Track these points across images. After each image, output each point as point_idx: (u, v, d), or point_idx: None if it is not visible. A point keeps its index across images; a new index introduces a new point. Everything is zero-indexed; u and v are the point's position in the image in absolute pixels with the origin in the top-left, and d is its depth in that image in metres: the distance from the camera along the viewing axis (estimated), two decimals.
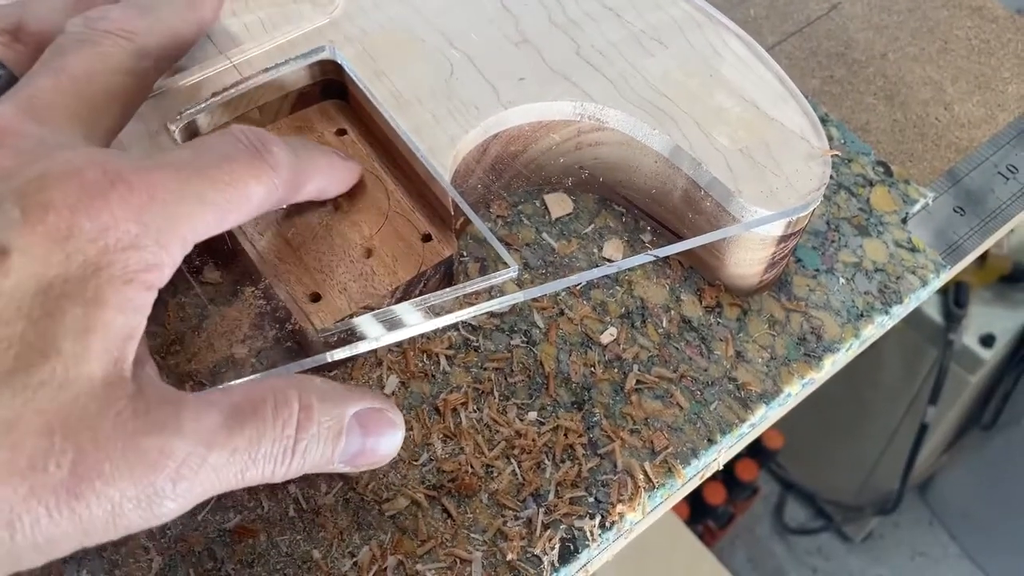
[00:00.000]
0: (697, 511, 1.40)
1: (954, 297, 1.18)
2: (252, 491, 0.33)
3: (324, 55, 0.37)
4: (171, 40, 0.31)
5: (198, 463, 0.24)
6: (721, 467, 0.37)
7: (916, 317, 1.20)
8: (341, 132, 0.38)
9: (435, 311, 0.33)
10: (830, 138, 0.44)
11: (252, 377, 0.29)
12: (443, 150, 0.35)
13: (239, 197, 0.27)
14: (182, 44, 0.32)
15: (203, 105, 0.35)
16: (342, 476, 0.33)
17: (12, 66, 0.30)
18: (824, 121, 0.45)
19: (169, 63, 0.32)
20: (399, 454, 0.34)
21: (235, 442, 0.25)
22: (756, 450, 1.45)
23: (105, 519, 0.23)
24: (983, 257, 1.18)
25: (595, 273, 0.34)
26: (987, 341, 1.22)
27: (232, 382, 0.27)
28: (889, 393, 1.33)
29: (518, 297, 0.33)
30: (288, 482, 0.33)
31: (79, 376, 0.23)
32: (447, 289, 0.33)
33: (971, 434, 1.46)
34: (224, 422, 0.25)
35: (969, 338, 1.22)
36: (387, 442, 0.29)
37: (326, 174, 0.33)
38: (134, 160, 0.25)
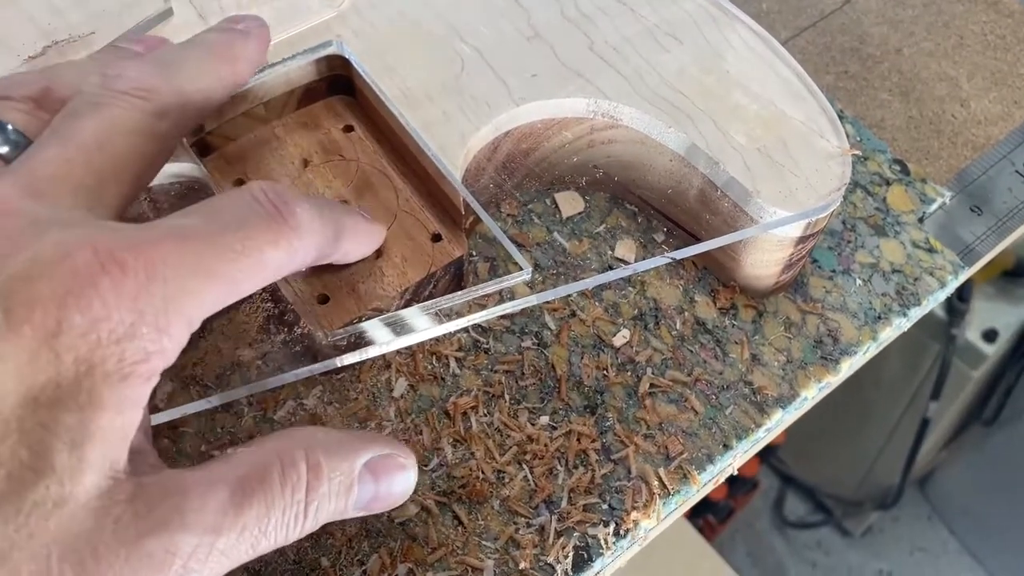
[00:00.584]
0: (697, 505, 1.40)
1: (957, 292, 1.17)
2: None
3: (331, 50, 0.36)
4: (195, 97, 0.29)
5: (206, 552, 0.23)
6: (736, 471, 0.36)
7: None
8: (348, 128, 0.37)
9: (446, 315, 0.32)
10: (846, 135, 0.43)
11: (248, 446, 0.25)
12: (454, 148, 0.34)
13: (253, 266, 0.25)
14: (209, 101, 0.30)
15: None
16: None
17: (35, 136, 0.27)
18: (840, 118, 0.44)
19: (195, 121, 0.29)
20: None
21: (244, 520, 0.23)
22: None
23: None
24: None
25: (610, 276, 0.33)
26: (990, 336, 1.22)
27: (236, 449, 0.25)
28: (891, 388, 1.32)
29: (531, 300, 0.32)
30: None
31: (75, 492, 0.21)
32: (458, 292, 0.32)
33: (972, 429, 1.46)
34: (231, 499, 0.23)
35: (972, 333, 1.21)
36: (399, 485, 0.27)
37: (351, 238, 0.31)
38: (134, 233, 0.23)
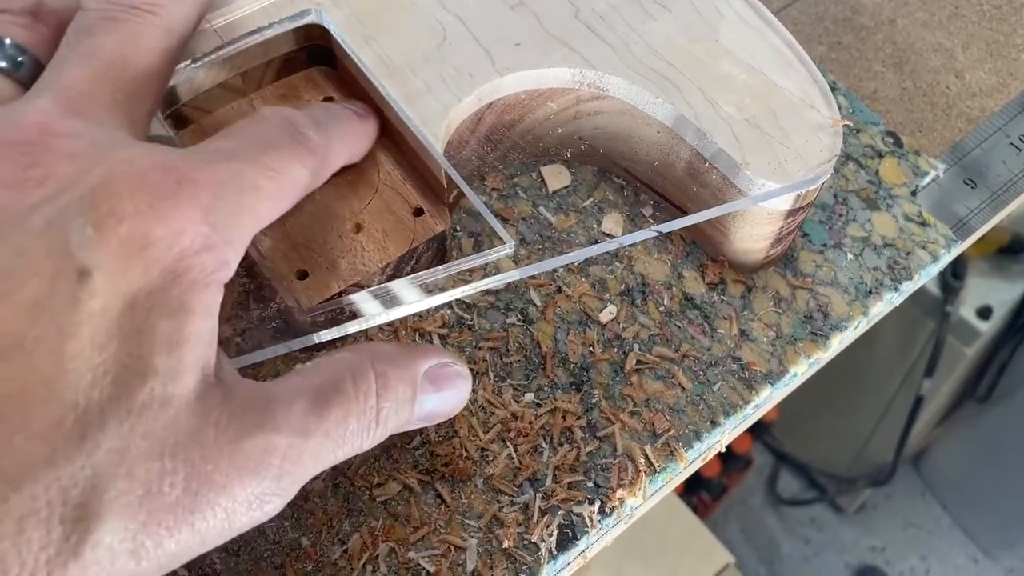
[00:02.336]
0: (690, 483, 1.40)
1: (951, 269, 1.17)
2: None
3: (310, 19, 0.35)
4: (192, 11, 0.29)
5: (297, 454, 0.24)
6: (724, 449, 0.36)
7: None
8: (328, 100, 0.36)
9: (427, 289, 0.31)
10: (838, 107, 0.43)
11: (321, 355, 0.27)
12: (435, 119, 0.33)
13: (289, 184, 0.27)
14: (200, 15, 0.30)
15: (182, 71, 0.33)
16: None
17: (35, 50, 0.27)
18: (832, 89, 0.43)
19: (189, 39, 0.30)
20: (390, 438, 0.33)
21: (326, 425, 0.25)
22: None
23: (220, 526, 0.23)
24: None
25: (595, 250, 0.32)
26: (984, 313, 1.21)
27: (306, 364, 0.26)
28: (885, 365, 1.32)
29: (514, 275, 0.31)
30: None
31: (176, 392, 0.22)
32: (440, 267, 0.32)
33: (966, 406, 1.46)
34: (312, 407, 0.25)
35: (966, 310, 1.21)
36: (457, 394, 0.29)
37: (350, 145, 0.32)
38: (187, 154, 0.24)
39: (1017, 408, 1.36)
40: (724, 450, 0.36)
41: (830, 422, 1.50)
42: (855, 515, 1.60)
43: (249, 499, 0.23)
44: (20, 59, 0.26)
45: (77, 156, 0.23)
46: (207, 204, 0.23)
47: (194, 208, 0.23)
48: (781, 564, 1.57)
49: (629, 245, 0.37)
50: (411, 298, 0.31)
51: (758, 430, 1.50)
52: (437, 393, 0.28)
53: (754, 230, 0.35)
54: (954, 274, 1.17)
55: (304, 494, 0.32)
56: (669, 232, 0.38)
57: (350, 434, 0.25)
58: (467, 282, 0.32)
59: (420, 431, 0.33)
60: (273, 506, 0.24)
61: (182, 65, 0.33)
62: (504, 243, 0.32)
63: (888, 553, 1.57)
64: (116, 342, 0.21)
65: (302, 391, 0.25)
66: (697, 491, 1.43)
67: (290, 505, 0.31)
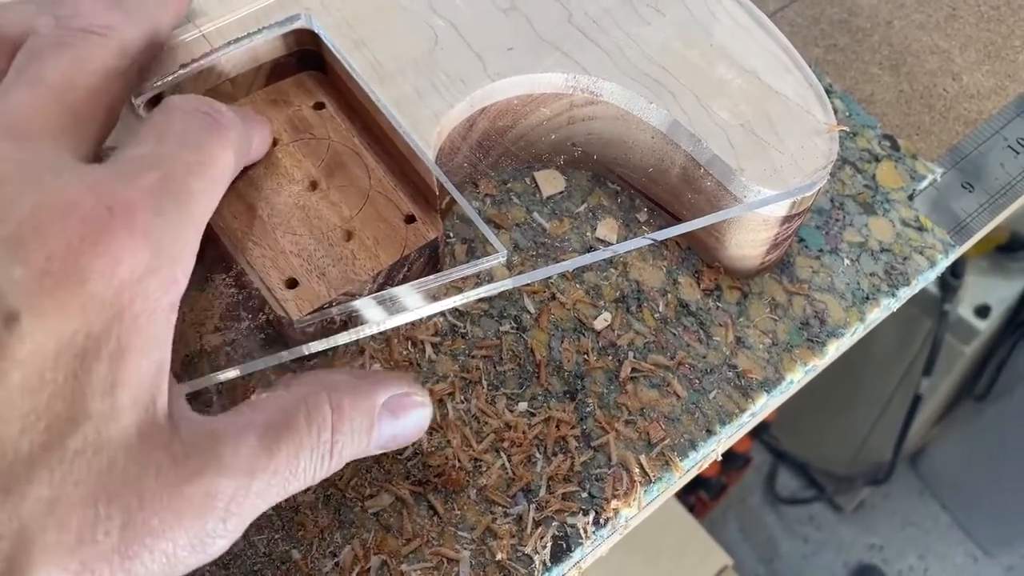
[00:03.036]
0: (689, 482, 1.40)
1: (950, 268, 1.17)
2: None
3: (300, 24, 0.35)
4: (150, 31, 0.29)
5: (244, 495, 0.23)
6: (719, 457, 0.35)
7: None
8: (319, 106, 0.36)
9: (419, 299, 0.31)
10: (835, 110, 0.42)
11: (274, 392, 0.26)
12: (427, 125, 0.33)
13: (218, 174, 0.26)
14: (161, 35, 0.30)
15: (170, 78, 0.33)
16: None
17: None
18: (828, 92, 0.43)
19: (149, 58, 0.30)
20: None
21: (275, 463, 0.24)
22: None
23: (161, 570, 0.22)
24: None
25: (589, 258, 0.32)
26: (982, 311, 1.21)
27: (261, 394, 0.26)
28: (883, 364, 1.32)
29: (507, 284, 0.31)
30: None
31: (112, 436, 0.21)
32: (431, 276, 0.31)
33: (964, 405, 1.46)
34: (261, 443, 0.24)
35: (964, 308, 1.21)
36: (417, 422, 0.28)
37: (260, 132, 0.32)
38: (122, 170, 0.23)
39: (1015, 406, 1.35)
40: (719, 456, 0.35)
41: (828, 421, 1.49)
42: (854, 514, 1.60)
43: (192, 543, 0.22)
44: None
45: (6, 183, 0.22)
46: (145, 225, 0.22)
47: (131, 233, 0.22)
48: (780, 563, 1.56)
49: (624, 252, 0.37)
50: (402, 308, 0.31)
51: (757, 429, 1.50)
52: (396, 421, 0.27)
53: (749, 236, 0.34)
54: (952, 273, 1.17)
55: (295, 506, 0.31)
56: (664, 239, 0.37)
57: (301, 470, 0.25)
58: (459, 291, 0.31)
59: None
60: (218, 547, 0.23)
61: (171, 72, 0.33)
62: (496, 251, 0.31)
63: (887, 552, 1.57)
64: (49, 387, 0.21)
65: (252, 427, 0.24)
66: (695, 490, 1.43)
67: (281, 517, 0.31)
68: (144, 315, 0.22)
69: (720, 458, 0.35)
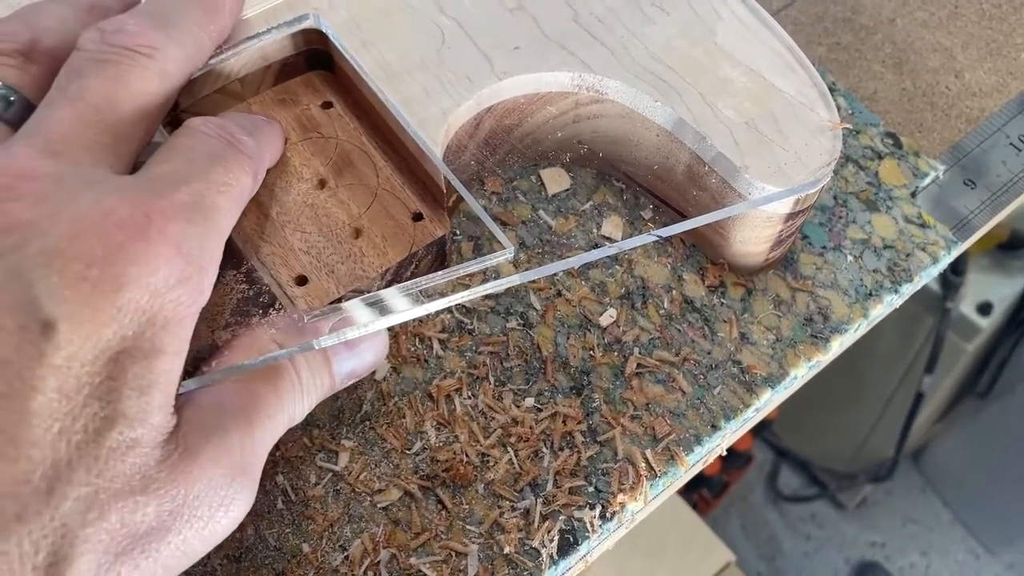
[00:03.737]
0: (691, 480, 1.40)
1: (951, 265, 1.17)
2: None
3: (308, 23, 0.35)
4: (192, 53, 0.29)
5: (250, 445, 0.25)
6: (724, 452, 0.36)
7: None
8: (327, 105, 0.36)
9: (427, 295, 0.31)
10: (838, 108, 0.43)
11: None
12: (434, 124, 0.33)
13: (240, 194, 0.27)
14: (203, 56, 0.30)
15: None
16: (332, 468, 0.32)
17: (28, 90, 0.27)
18: (831, 90, 0.43)
19: (188, 76, 0.30)
20: (391, 443, 0.33)
21: (263, 408, 0.26)
22: None
23: (201, 536, 0.24)
24: None
25: (595, 255, 0.32)
26: (984, 309, 1.21)
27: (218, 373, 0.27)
28: (885, 361, 1.32)
29: (514, 280, 0.31)
30: (276, 473, 0.32)
31: (144, 434, 0.23)
32: (439, 272, 0.31)
33: (966, 402, 1.46)
34: (248, 398, 0.26)
35: (966, 306, 1.21)
36: (373, 350, 0.30)
37: (274, 149, 0.33)
38: (149, 185, 0.24)
39: (1017, 404, 1.36)
40: (724, 451, 0.36)
41: (830, 418, 1.50)
42: (856, 511, 1.60)
43: (222, 502, 0.24)
44: (11, 99, 0.26)
45: (45, 199, 0.23)
46: (178, 235, 0.23)
47: (166, 243, 0.23)
48: (782, 560, 1.57)
49: (630, 249, 0.37)
50: (409, 305, 0.31)
51: (758, 427, 1.50)
52: (351, 352, 0.30)
53: (753, 233, 0.35)
54: (954, 270, 1.17)
55: (304, 500, 0.32)
56: (669, 236, 0.38)
57: (284, 408, 0.27)
58: (467, 287, 0.32)
59: (420, 437, 0.33)
60: (243, 500, 0.25)
61: None
62: (504, 248, 0.32)
63: (888, 549, 1.58)
64: (86, 390, 0.21)
65: (236, 388, 0.26)
66: (698, 488, 1.43)
67: (291, 511, 0.31)
68: (175, 320, 0.23)
69: (725, 453, 0.36)
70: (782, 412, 1.49)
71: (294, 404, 0.27)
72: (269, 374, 0.27)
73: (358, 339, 0.30)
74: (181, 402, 0.25)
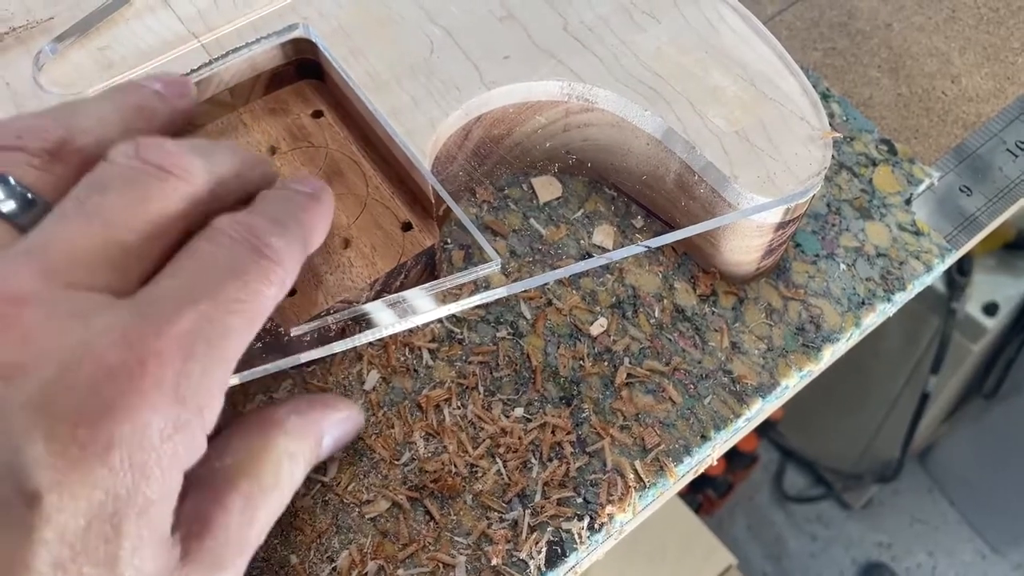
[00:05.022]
0: (696, 481, 1.40)
1: (957, 265, 1.17)
2: None
3: (297, 33, 0.35)
4: (224, 181, 0.27)
5: (238, 549, 0.25)
6: (715, 462, 0.35)
7: None
8: (318, 114, 0.36)
9: (414, 308, 0.31)
10: (832, 115, 0.42)
11: None
12: (422, 134, 0.33)
13: (258, 310, 0.25)
14: (231, 185, 0.28)
15: None
16: (320, 479, 0.32)
17: (48, 193, 0.25)
18: (826, 97, 0.43)
19: (216, 207, 0.27)
20: (380, 453, 0.33)
21: (256, 534, 0.26)
22: None
23: None
24: None
25: (584, 265, 0.32)
26: (990, 309, 1.21)
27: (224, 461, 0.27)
28: (890, 362, 1.32)
29: (501, 292, 0.31)
30: None
31: None
32: (426, 285, 0.31)
33: (973, 402, 1.46)
34: (243, 516, 0.26)
35: (972, 306, 1.20)
36: (350, 432, 0.32)
37: (315, 236, 0.29)
38: (153, 311, 0.22)
39: None
40: (715, 461, 0.36)
41: (836, 419, 1.49)
42: (862, 511, 1.60)
43: None
44: (29, 196, 0.24)
45: (32, 335, 0.21)
46: (175, 378, 0.22)
47: (160, 392, 0.21)
48: (788, 561, 1.56)
49: (617, 260, 0.37)
50: (395, 318, 0.31)
51: (764, 427, 1.50)
52: (334, 440, 0.30)
53: (744, 242, 0.34)
54: (960, 270, 1.16)
55: (293, 512, 0.32)
56: (658, 245, 0.38)
57: (276, 510, 0.27)
58: (456, 298, 0.32)
59: (409, 447, 0.33)
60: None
61: None
62: (491, 259, 0.32)
63: (895, 549, 1.57)
64: (80, 557, 0.20)
65: (236, 511, 0.25)
66: (703, 488, 1.43)
67: (279, 523, 0.31)
68: (169, 470, 0.22)
69: (714, 461, 0.35)
70: (788, 412, 1.49)
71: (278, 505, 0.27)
72: (267, 483, 0.26)
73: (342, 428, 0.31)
74: (176, 522, 0.23)
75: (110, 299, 0.23)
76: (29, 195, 0.24)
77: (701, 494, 1.44)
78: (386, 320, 0.31)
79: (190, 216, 0.26)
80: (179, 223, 0.25)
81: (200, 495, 0.24)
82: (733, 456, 1.41)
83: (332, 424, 0.30)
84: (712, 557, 0.83)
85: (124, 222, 0.24)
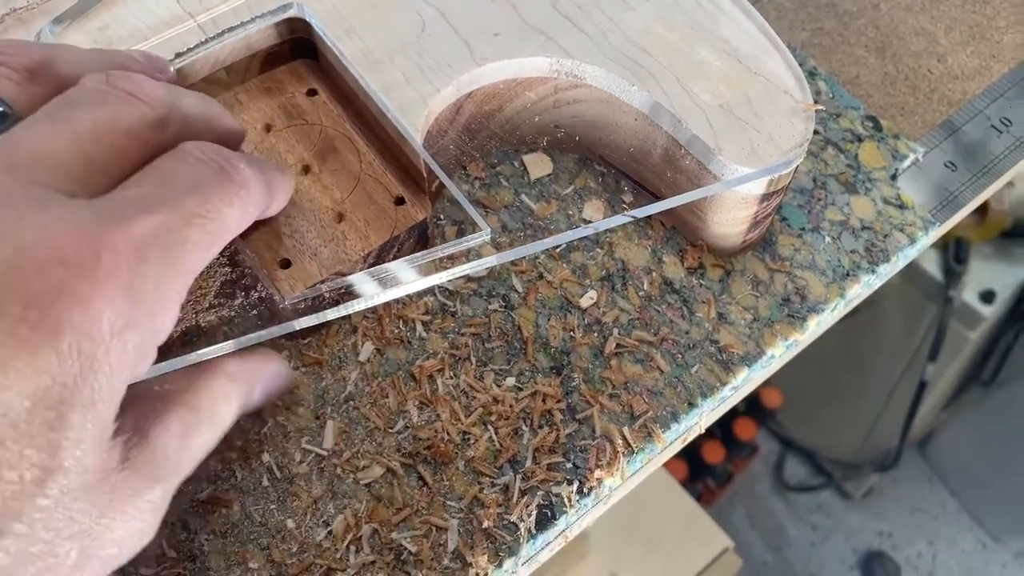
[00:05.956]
0: (696, 470, 1.41)
1: (954, 253, 1.17)
2: (225, 461, 0.33)
3: (292, 13, 0.36)
4: (194, 118, 0.28)
5: (170, 493, 0.26)
6: (703, 430, 0.36)
7: (916, 273, 1.19)
8: (312, 92, 0.37)
9: (405, 278, 0.32)
10: (818, 92, 0.43)
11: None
12: (414, 109, 0.34)
13: (219, 229, 0.25)
14: (203, 128, 0.28)
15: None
16: (316, 448, 0.33)
17: (23, 109, 0.26)
18: (813, 75, 0.44)
19: (182, 138, 0.28)
20: (375, 422, 0.34)
21: (192, 451, 0.26)
22: (755, 409, 1.45)
23: (114, 553, 0.24)
24: (983, 213, 1.17)
25: (570, 235, 0.33)
26: (987, 297, 1.21)
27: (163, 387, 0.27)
28: (889, 350, 1.32)
29: (491, 261, 0.32)
30: (262, 451, 0.33)
31: (80, 482, 0.22)
32: (416, 254, 0.32)
33: (971, 390, 1.46)
34: (182, 439, 0.26)
35: (969, 294, 1.21)
36: (280, 385, 0.31)
37: (283, 192, 0.31)
38: (108, 211, 0.23)
39: (1022, 391, 1.35)
40: (726, 434, 0.36)
41: (835, 408, 1.50)
42: (862, 500, 1.61)
43: (137, 533, 0.24)
44: (2, 109, 0.25)
45: None
46: (129, 275, 0.22)
47: (114, 284, 0.21)
48: (788, 550, 1.57)
49: (610, 231, 0.38)
50: (388, 284, 0.32)
51: (763, 417, 1.50)
52: (264, 392, 0.30)
53: (730, 214, 0.35)
54: (956, 258, 1.17)
55: (289, 477, 0.32)
56: (649, 218, 0.38)
57: (205, 446, 0.27)
58: (446, 268, 0.32)
59: (403, 416, 0.34)
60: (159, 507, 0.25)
61: (167, 61, 0.34)
62: (481, 230, 0.33)
63: (895, 538, 1.58)
64: (23, 439, 0.20)
65: (174, 422, 0.26)
66: (703, 478, 1.44)
67: (276, 489, 0.32)
68: (118, 368, 0.22)
69: (702, 429, 0.36)
70: (787, 402, 1.50)
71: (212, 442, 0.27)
72: (202, 419, 0.27)
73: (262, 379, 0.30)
74: (115, 429, 0.23)
75: (71, 198, 0.23)
76: (2, 108, 0.25)
77: (702, 483, 1.44)
78: (377, 289, 0.32)
79: (154, 142, 0.26)
80: (144, 147, 0.26)
81: (141, 410, 0.25)
82: (732, 446, 1.42)
83: (266, 376, 0.30)
84: (709, 540, 0.84)
85: (90, 134, 0.24)
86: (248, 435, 0.33)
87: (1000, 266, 1.22)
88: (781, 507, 1.61)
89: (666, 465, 1.18)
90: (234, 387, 0.28)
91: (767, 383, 1.44)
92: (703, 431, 0.36)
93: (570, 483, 0.33)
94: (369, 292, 0.32)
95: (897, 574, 1.53)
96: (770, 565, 1.55)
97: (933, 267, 1.18)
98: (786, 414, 1.57)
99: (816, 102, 0.42)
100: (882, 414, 1.42)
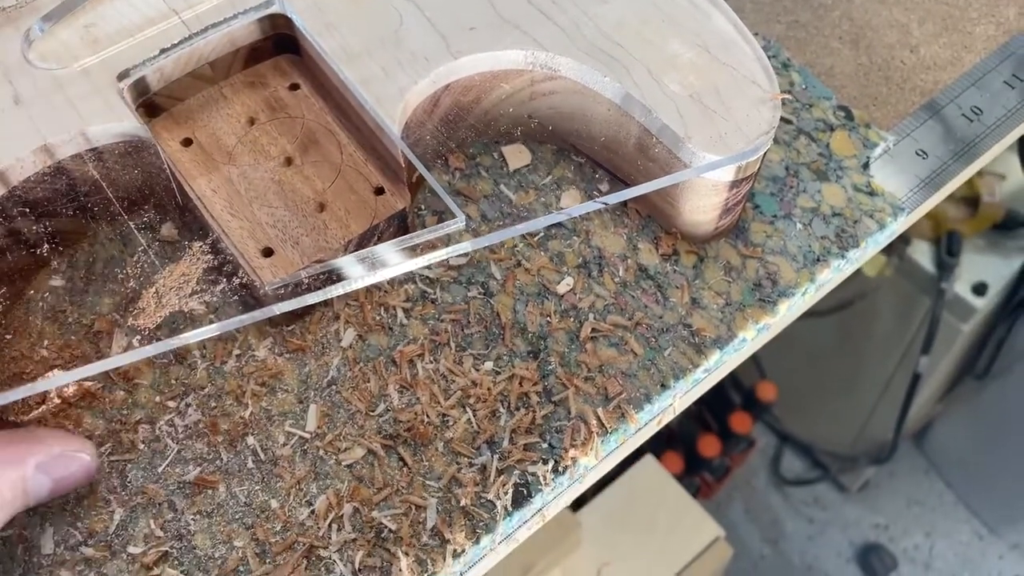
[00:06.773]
0: (693, 464, 1.42)
1: (946, 246, 1.18)
2: (211, 443, 0.34)
3: (274, 9, 0.37)
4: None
5: None
6: (677, 413, 0.37)
7: (908, 266, 1.20)
8: (294, 87, 0.38)
9: (382, 262, 0.33)
10: (792, 83, 0.44)
11: None
12: (392, 101, 0.35)
13: None
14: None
15: (151, 63, 0.35)
16: (298, 431, 0.34)
17: None
18: (787, 66, 0.45)
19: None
20: (356, 405, 0.35)
21: None
22: (750, 403, 1.46)
23: None
24: (975, 205, 1.18)
25: (543, 221, 0.34)
26: (979, 289, 1.22)
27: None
28: (882, 343, 1.33)
29: (466, 247, 0.33)
30: (247, 434, 0.34)
31: None
32: (393, 240, 0.33)
33: (965, 383, 1.47)
34: None
35: (961, 287, 1.22)
36: (74, 475, 0.30)
37: (64, 470, 0.30)
38: None
39: (1016, 384, 1.36)
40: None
41: (830, 401, 1.51)
42: (859, 493, 1.61)
43: None
44: None
45: None
46: None
47: None
48: (785, 543, 1.58)
49: (587, 220, 0.39)
50: (362, 272, 0.33)
51: (758, 411, 1.51)
52: (50, 477, 0.29)
53: (701, 201, 0.36)
54: (949, 251, 1.18)
55: (273, 459, 0.33)
56: (625, 206, 0.39)
57: None
58: (422, 255, 0.33)
59: (384, 399, 0.35)
60: None
61: (152, 58, 0.35)
62: (456, 216, 0.33)
63: (892, 531, 1.58)
64: None
65: None
66: (700, 472, 1.45)
67: (260, 470, 0.33)
68: None
69: (676, 411, 0.37)
70: (782, 396, 1.50)
71: None
72: None
73: (59, 467, 0.30)
74: None
75: None
76: None
77: (699, 477, 1.45)
78: (356, 273, 0.33)
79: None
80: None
81: None
82: (729, 439, 1.43)
83: (45, 462, 0.29)
84: (700, 530, 0.85)
85: None
86: (233, 419, 0.34)
87: (992, 258, 1.23)
88: (778, 500, 1.62)
89: (663, 459, 1.19)
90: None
91: (762, 377, 1.45)
92: (677, 413, 0.37)
93: (546, 462, 0.34)
94: (350, 275, 0.33)
95: (894, 566, 1.53)
96: (767, 558, 1.56)
97: (926, 260, 1.19)
98: (782, 408, 1.58)
99: (791, 94, 0.43)
100: (877, 407, 1.43)
